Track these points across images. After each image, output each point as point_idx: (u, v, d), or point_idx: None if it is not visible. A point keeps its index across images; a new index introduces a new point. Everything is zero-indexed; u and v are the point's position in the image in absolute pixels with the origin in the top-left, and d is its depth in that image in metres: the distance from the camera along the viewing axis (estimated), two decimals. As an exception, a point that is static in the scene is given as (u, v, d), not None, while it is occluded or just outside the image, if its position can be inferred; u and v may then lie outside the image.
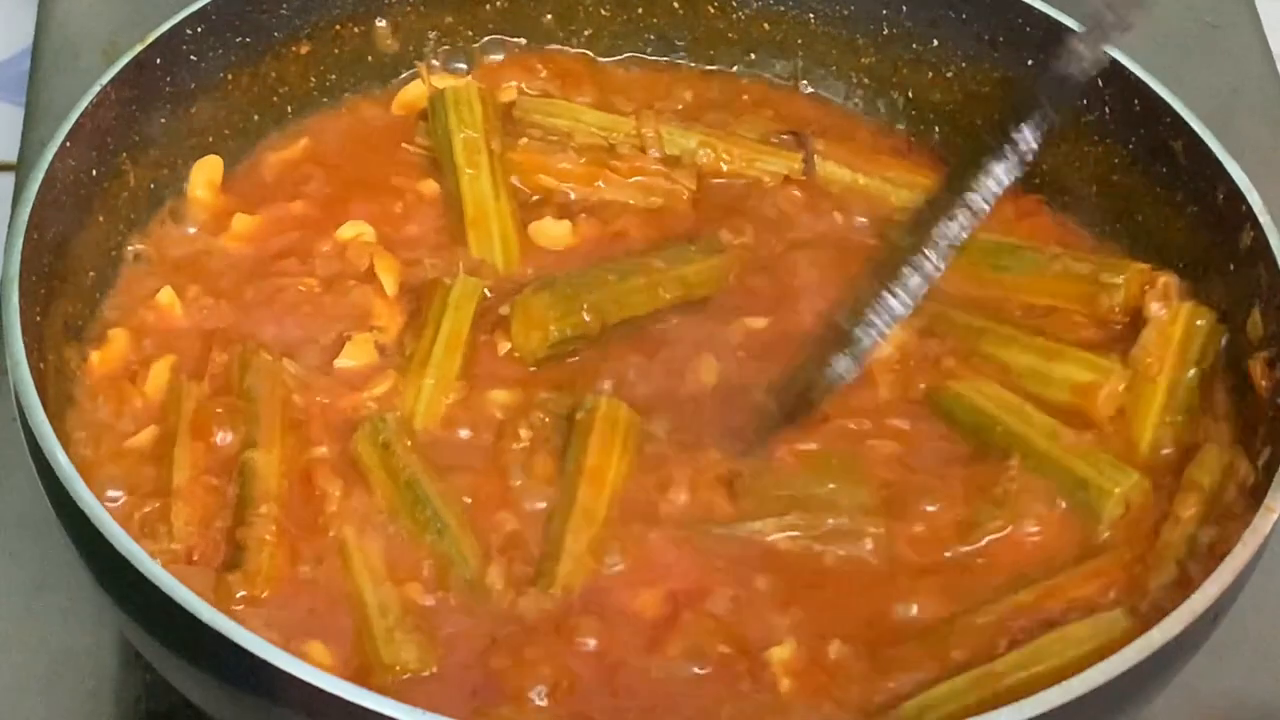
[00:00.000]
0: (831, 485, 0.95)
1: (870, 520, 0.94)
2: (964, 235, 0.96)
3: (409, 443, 0.94)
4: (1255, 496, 0.90)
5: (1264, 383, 0.96)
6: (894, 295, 0.95)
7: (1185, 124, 1.03)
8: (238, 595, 0.88)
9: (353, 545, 0.91)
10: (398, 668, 0.86)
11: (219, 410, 0.94)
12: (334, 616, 0.89)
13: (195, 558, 0.90)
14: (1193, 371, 0.99)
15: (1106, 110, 1.07)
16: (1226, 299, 1.01)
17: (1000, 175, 0.96)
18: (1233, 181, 1.00)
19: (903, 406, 0.99)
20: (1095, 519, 0.94)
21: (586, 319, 0.99)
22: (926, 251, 0.96)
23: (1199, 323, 1.00)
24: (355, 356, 0.99)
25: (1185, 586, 0.87)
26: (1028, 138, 0.96)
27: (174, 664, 0.86)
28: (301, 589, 0.90)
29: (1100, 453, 0.96)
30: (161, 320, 1.00)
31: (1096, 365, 0.99)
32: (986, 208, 0.96)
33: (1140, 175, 1.07)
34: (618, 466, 0.94)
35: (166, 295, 1.00)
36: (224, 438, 0.94)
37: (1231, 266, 1.00)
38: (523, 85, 1.14)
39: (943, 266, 0.96)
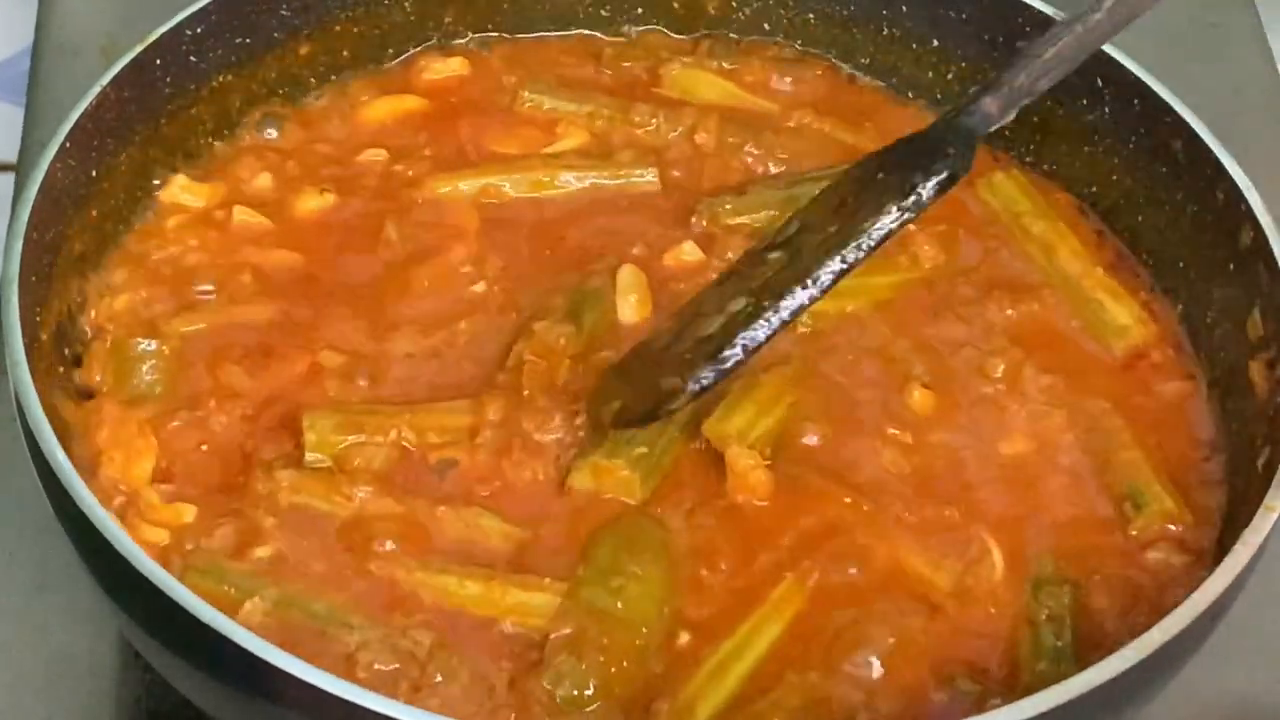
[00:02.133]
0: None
1: None
2: (844, 270, 0.93)
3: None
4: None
5: (1263, 384, 0.96)
6: (765, 320, 0.92)
7: (1185, 124, 1.03)
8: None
9: None
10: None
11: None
12: None
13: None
14: None
15: (1106, 110, 1.07)
16: (1226, 299, 1.01)
17: (891, 222, 0.93)
18: (1233, 181, 1.00)
19: None
20: None
21: None
22: (807, 281, 0.92)
23: None
24: None
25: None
26: (929, 190, 0.93)
27: (173, 664, 0.86)
28: None
29: None
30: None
31: None
32: (871, 248, 0.93)
33: (1140, 175, 1.07)
34: None
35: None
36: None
37: (1231, 266, 1.00)
38: None
39: (819, 297, 0.92)
